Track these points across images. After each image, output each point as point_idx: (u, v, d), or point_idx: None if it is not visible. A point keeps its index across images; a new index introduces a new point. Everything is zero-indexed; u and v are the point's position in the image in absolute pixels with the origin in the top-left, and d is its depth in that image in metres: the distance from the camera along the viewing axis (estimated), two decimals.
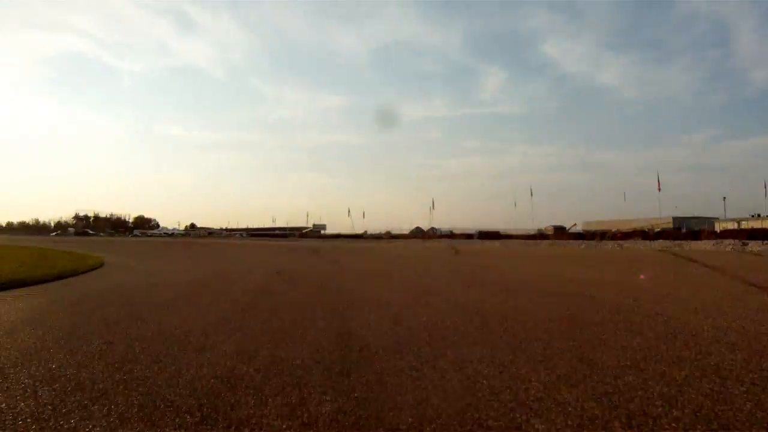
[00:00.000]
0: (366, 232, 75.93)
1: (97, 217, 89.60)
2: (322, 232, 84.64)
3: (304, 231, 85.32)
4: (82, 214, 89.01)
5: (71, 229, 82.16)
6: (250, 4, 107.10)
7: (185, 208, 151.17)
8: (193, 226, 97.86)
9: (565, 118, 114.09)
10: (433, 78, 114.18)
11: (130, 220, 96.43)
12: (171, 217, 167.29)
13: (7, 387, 2.83)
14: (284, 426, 2.26)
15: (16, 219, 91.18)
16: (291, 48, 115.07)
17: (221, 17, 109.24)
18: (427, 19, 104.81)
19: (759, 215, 49.24)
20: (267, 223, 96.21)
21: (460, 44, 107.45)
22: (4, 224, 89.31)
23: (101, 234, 76.04)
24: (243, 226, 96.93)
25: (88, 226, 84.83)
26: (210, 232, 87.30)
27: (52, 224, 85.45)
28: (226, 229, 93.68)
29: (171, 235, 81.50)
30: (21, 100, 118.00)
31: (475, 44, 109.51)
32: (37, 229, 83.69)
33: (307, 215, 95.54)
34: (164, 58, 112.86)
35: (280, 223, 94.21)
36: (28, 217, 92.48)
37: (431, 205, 73.68)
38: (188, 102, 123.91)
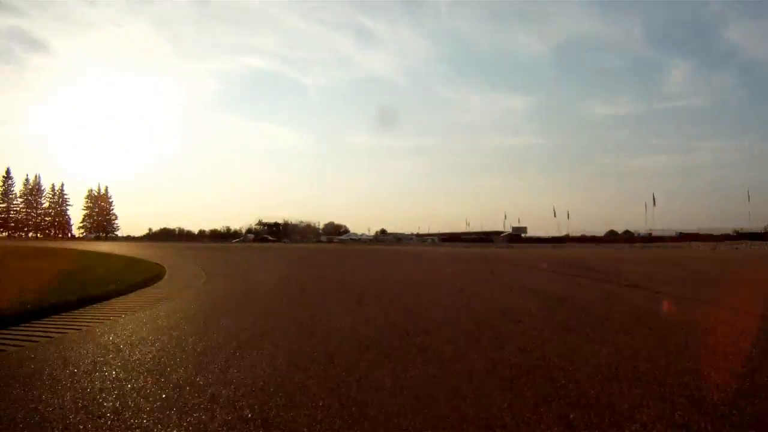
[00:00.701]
0: (568, 234, 70.02)
1: (286, 224, 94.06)
2: (522, 235, 76.11)
3: (504, 234, 76.79)
4: (266, 221, 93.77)
5: (250, 236, 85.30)
6: (426, 12, 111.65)
7: (375, 213, 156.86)
8: (383, 231, 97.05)
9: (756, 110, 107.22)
10: (616, 73, 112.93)
11: (320, 227, 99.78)
12: (361, 223, 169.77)
13: None
14: None
15: (211, 227, 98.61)
16: (470, 51, 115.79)
17: (398, 27, 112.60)
18: (606, 12, 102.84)
19: None
20: (460, 227, 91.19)
21: (641, 36, 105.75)
22: (196, 232, 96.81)
23: (285, 240, 78.10)
24: (434, 230, 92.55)
25: (272, 233, 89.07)
26: (399, 238, 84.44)
27: (243, 231, 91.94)
28: (417, 235, 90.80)
29: (358, 240, 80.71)
30: (215, 117, 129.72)
31: (657, 35, 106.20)
32: (224, 236, 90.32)
33: (505, 217, 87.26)
34: (347, 71, 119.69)
35: (475, 227, 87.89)
36: (220, 225, 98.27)
37: (646, 205, 66.26)
38: (373, 110, 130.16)
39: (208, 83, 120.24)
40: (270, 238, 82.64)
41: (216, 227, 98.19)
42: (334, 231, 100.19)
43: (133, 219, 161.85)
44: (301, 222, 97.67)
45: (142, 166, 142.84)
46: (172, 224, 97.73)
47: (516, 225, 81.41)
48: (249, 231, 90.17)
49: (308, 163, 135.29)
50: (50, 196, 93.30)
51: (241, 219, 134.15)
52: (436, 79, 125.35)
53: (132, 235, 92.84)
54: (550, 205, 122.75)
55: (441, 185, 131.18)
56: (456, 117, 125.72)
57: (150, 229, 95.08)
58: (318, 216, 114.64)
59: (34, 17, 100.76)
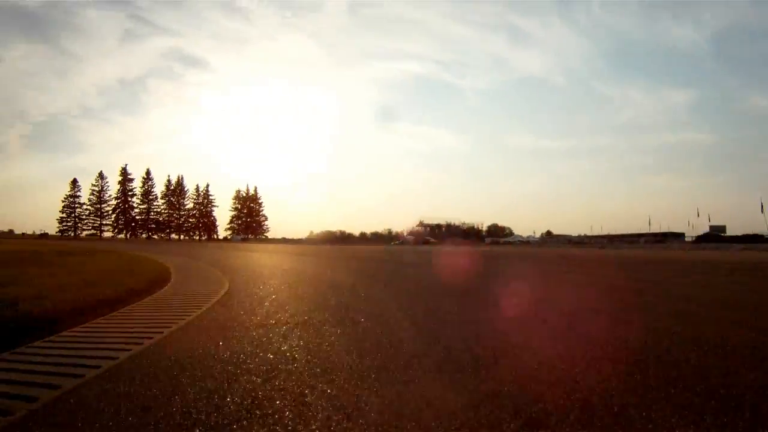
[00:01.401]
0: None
1: (448, 226, 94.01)
2: (722, 235, 64.25)
3: (699, 235, 65.38)
4: (427, 222, 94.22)
5: (410, 237, 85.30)
6: (577, 8, 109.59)
7: (541, 215, 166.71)
8: (549, 233, 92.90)
9: None
10: None
11: (484, 229, 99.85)
12: (526, 225, 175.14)
13: None
14: None
15: (372, 230, 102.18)
16: (627, 46, 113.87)
17: (551, 25, 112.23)
18: None
19: None
20: (639, 228, 78.71)
21: None
22: (357, 234, 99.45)
23: (446, 242, 74.25)
24: (604, 232, 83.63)
25: (433, 234, 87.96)
26: (569, 240, 78.61)
27: (405, 233, 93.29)
28: (587, 236, 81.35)
29: (527, 242, 77.70)
30: (373, 123, 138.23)
31: None
32: (384, 239, 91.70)
33: (698, 215, 77.09)
34: (503, 72, 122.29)
35: (654, 228, 77.33)
36: (382, 228, 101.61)
37: None
38: (533, 111, 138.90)
39: (365, 90, 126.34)
40: (432, 240, 79.99)
41: (377, 230, 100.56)
42: (498, 233, 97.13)
43: (291, 223, 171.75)
44: (464, 223, 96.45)
45: (302, 172, 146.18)
46: (334, 227, 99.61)
47: (715, 224, 67.37)
48: (410, 233, 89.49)
49: (467, 165, 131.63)
50: (194, 196, 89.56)
51: (402, 221, 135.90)
52: (594, 76, 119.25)
53: (286, 237, 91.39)
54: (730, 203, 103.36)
55: (606, 185, 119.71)
56: (617, 114, 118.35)
57: (311, 232, 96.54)
58: (479, 217, 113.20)
59: (191, 37, 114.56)
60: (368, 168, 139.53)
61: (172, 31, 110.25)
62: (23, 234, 79.21)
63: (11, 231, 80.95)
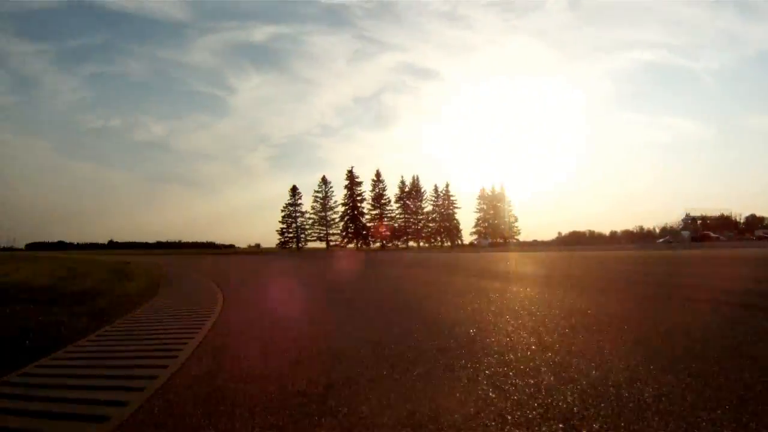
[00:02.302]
0: None
1: (720, 218, 76.40)
2: None
3: None
4: (692, 215, 79.15)
5: (685, 233, 64.98)
6: None
7: None
8: None
9: None
10: None
11: (741, 220, 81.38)
12: None
13: None
14: None
15: (623, 228, 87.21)
16: None
17: None
18: None
19: None
20: None
21: None
22: (606, 233, 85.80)
23: (721, 238, 60.06)
24: None
25: (707, 227, 71.47)
26: None
27: (657, 230, 78.38)
28: None
29: None
30: (612, 116, 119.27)
31: None
32: (640, 236, 79.79)
33: None
34: (736, 49, 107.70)
35: None
36: (631, 225, 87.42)
37: None
38: None
39: (600, 83, 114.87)
40: (712, 234, 62.55)
41: (627, 227, 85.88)
42: (756, 223, 79.94)
43: (539, 225, 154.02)
44: (721, 215, 77.50)
45: (543, 171, 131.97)
46: (581, 227, 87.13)
47: None
48: (684, 227, 68.06)
49: (708, 151, 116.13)
50: (432, 198, 78.07)
51: (653, 217, 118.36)
52: None
53: (538, 240, 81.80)
54: None
55: None
56: None
57: (559, 233, 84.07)
58: (729, 206, 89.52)
59: (418, 50, 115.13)
60: (608, 162, 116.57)
61: (399, 46, 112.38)
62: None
63: (258, 245, 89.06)
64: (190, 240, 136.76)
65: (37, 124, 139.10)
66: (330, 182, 73.04)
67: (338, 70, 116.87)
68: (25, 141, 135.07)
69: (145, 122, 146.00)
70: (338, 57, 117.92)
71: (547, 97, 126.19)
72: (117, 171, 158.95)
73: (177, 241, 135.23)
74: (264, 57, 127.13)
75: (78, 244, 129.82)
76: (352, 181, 73.47)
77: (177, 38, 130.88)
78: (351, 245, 73.12)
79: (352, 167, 73.85)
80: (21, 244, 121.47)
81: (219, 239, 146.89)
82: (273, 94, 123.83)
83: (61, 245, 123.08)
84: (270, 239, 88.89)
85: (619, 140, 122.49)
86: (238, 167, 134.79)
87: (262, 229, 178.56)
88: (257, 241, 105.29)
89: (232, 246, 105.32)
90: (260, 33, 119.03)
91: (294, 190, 72.10)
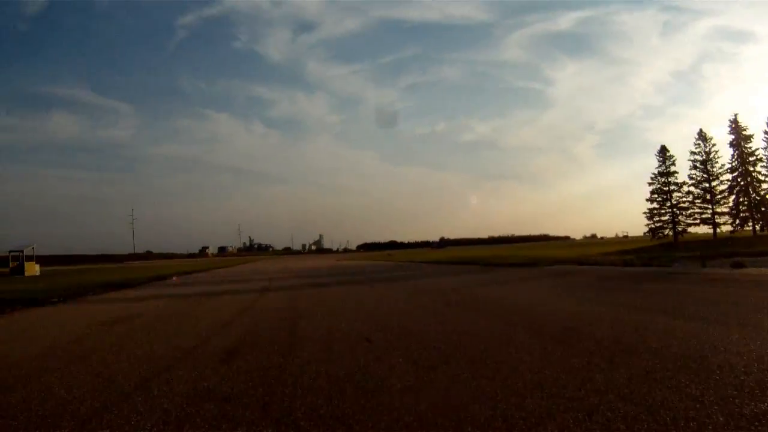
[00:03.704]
0: None
1: None
2: None
3: None
4: None
5: None
6: None
7: None
8: None
9: None
10: None
11: None
12: None
13: None
14: None
15: None
16: None
17: None
18: None
19: None
20: None
21: None
22: None
23: None
24: None
25: None
26: None
27: None
28: None
29: None
30: None
31: None
32: None
33: None
34: None
35: None
36: None
37: None
38: None
39: None
40: None
41: None
42: None
43: None
44: None
45: None
46: None
47: None
48: None
49: None
50: None
51: None
52: None
53: None
54: None
55: None
56: None
57: None
58: None
59: (730, 13, 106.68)
60: None
61: (710, 12, 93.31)
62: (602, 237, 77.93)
63: (594, 235, 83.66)
64: (523, 234, 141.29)
65: (361, 136, 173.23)
66: (711, 138, 46.43)
67: (651, 46, 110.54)
68: (357, 152, 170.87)
69: (470, 124, 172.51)
70: (650, 33, 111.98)
71: None
72: (447, 172, 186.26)
73: (509, 235, 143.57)
74: (574, 44, 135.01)
75: (408, 243, 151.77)
76: (739, 135, 45.45)
77: (486, 39, 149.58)
78: (747, 228, 45.40)
79: (735, 115, 46.14)
80: (353, 246, 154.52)
81: (553, 231, 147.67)
82: (590, 80, 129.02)
83: (392, 245, 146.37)
84: (634, 226, 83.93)
85: None
86: (566, 158, 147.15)
87: (597, 219, 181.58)
88: (593, 232, 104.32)
89: (567, 238, 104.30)
90: (565, 20, 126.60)
91: (663, 152, 47.81)
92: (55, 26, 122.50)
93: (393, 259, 39.84)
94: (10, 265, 28.33)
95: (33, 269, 28.39)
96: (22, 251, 28.82)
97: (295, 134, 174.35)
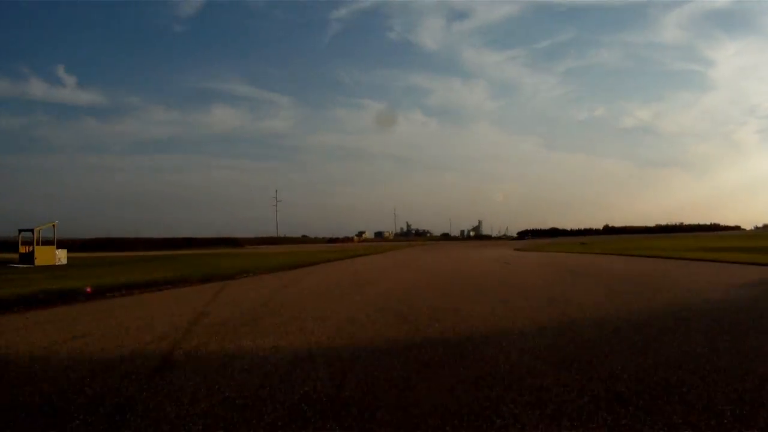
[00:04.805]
0: None
1: None
2: None
3: None
4: None
5: None
6: None
7: None
8: None
9: None
10: None
11: None
12: None
13: None
14: None
15: None
16: None
17: None
18: None
19: None
20: None
21: None
22: None
23: None
24: None
25: None
26: None
27: None
28: None
29: None
30: None
31: None
32: None
33: None
34: None
35: None
36: None
37: None
38: None
39: None
40: None
41: None
42: None
43: None
44: None
45: None
46: None
47: None
48: None
49: None
50: None
51: None
52: None
53: None
54: None
55: None
56: None
57: None
58: None
59: None
60: None
61: None
62: None
63: (766, 225, 77.03)
64: (692, 222, 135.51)
65: (519, 122, 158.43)
66: None
67: None
68: (515, 139, 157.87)
69: (629, 108, 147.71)
70: None
71: None
72: (607, 158, 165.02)
73: (678, 224, 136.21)
74: (733, 22, 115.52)
75: (570, 230, 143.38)
76: None
77: (643, 20, 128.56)
78: None
79: None
80: (512, 232, 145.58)
81: (723, 220, 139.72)
82: (754, 60, 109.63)
83: (553, 231, 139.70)
84: None
85: None
86: (728, 144, 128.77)
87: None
88: (765, 222, 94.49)
89: (737, 227, 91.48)
90: None
91: None
92: (211, 26, 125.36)
93: (588, 249, 31.06)
94: (20, 250, 20.53)
95: (48, 256, 20.02)
96: (32, 230, 20.24)
97: (453, 121, 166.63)
